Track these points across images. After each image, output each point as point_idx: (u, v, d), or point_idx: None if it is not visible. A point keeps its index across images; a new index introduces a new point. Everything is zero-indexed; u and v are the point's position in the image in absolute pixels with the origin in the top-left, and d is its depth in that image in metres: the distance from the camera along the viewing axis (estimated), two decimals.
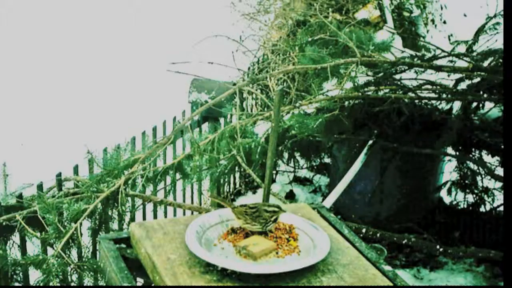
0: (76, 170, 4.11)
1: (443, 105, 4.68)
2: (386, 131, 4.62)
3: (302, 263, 2.26)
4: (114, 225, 4.04)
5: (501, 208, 4.87)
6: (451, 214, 5.11)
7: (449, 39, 6.84)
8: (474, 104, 4.55)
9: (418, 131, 4.60)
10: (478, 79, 4.35)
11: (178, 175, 4.28)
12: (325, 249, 2.34)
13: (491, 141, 4.41)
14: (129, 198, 4.04)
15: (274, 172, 5.88)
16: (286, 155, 5.81)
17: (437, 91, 4.49)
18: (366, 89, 4.45)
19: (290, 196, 5.71)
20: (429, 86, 4.50)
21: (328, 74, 4.07)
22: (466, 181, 4.93)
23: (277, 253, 2.36)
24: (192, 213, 4.68)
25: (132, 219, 4.44)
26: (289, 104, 4.54)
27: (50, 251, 3.94)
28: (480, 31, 4.39)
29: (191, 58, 6.52)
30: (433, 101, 4.59)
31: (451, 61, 4.40)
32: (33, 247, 3.91)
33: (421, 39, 5.81)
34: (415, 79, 4.55)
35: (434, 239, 4.50)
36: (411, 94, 4.45)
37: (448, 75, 4.44)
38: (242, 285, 2.19)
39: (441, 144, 4.65)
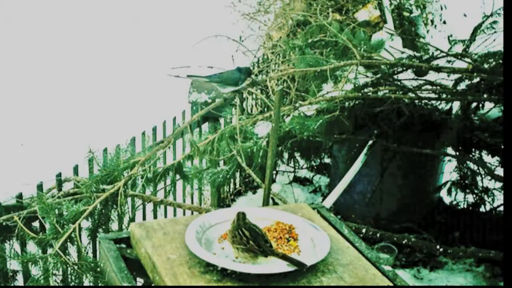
0: (76, 170, 4.11)
1: (443, 105, 4.68)
2: (386, 131, 4.62)
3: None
4: (114, 226, 4.04)
5: (501, 208, 4.88)
6: (451, 214, 5.11)
7: (449, 39, 6.84)
8: (474, 104, 4.55)
9: (418, 131, 4.60)
10: (478, 79, 4.35)
11: (178, 176, 4.28)
12: (325, 249, 2.34)
13: (491, 141, 4.41)
14: (129, 198, 4.04)
15: (274, 172, 5.88)
16: (286, 155, 5.82)
17: (437, 91, 4.49)
18: (366, 89, 4.45)
19: None
20: (429, 86, 4.51)
21: (328, 76, 4.07)
22: (466, 181, 4.93)
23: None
24: (192, 213, 4.68)
25: (132, 219, 4.45)
26: (289, 105, 4.54)
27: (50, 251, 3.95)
28: (476, 30, 4.39)
29: (191, 57, 6.52)
30: (433, 101, 4.59)
31: (449, 61, 4.40)
32: (33, 247, 3.91)
33: (421, 39, 5.81)
34: (415, 79, 4.55)
35: (434, 239, 4.51)
36: (411, 94, 4.45)
37: (448, 75, 4.44)
38: (242, 285, 2.19)
39: (441, 144, 4.66)
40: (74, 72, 9.03)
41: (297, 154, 5.53)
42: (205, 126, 5.48)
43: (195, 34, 7.02)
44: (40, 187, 3.84)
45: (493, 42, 4.39)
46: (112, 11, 11.73)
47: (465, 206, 5.06)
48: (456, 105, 4.68)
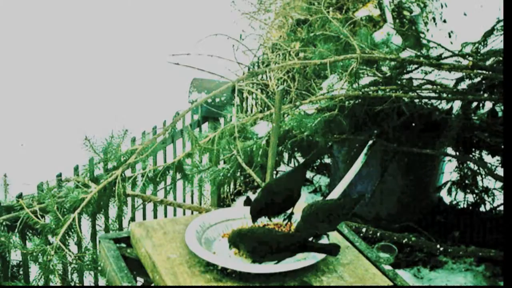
0: (76, 170, 4.11)
1: (443, 105, 4.68)
2: (386, 131, 4.62)
3: (302, 262, 2.27)
4: (112, 213, 4.03)
5: (501, 208, 4.87)
6: (451, 214, 5.11)
7: (449, 37, 6.83)
8: (474, 104, 4.55)
9: (418, 131, 4.60)
10: (479, 78, 4.34)
11: (178, 175, 4.28)
12: None
13: (491, 141, 4.41)
14: (129, 198, 4.04)
15: (274, 172, 5.88)
16: (286, 155, 5.82)
17: (437, 91, 4.49)
18: (366, 88, 4.44)
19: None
20: (429, 86, 4.50)
21: (328, 70, 4.07)
22: (466, 181, 4.93)
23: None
24: (192, 212, 4.68)
25: (132, 218, 4.45)
26: (290, 103, 4.54)
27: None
28: (489, 34, 4.36)
29: (192, 56, 6.52)
30: (433, 101, 4.58)
31: (458, 62, 4.37)
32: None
33: (425, 38, 5.79)
34: (416, 78, 4.55)
35: (434, 238, 4.50)
36: (411, 94, 4.45)
37: (449, 72, 4.42)
38: (242, 285, 2.19)
39: (441, 144, 4.65)
40: (75, 72, 9.03)
41: (297, 154, 5.54)
42: (205, 126, 5.48)
43: (195, 33, 7.02)
44: (40, 187, 3.84)
45: (501, 43, 4.37)
46: (112, 10, 11.72)
47: (465, 205, 5.05)
48: (456, 105, 4.68)
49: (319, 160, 5.92)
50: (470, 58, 4.27)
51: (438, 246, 4.25)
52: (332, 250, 2.24)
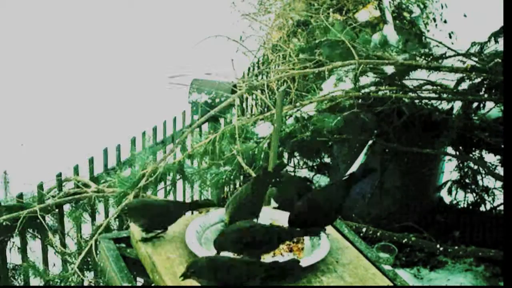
0: (76, 170, 4.11)
1: (444, 105, 4.68)
2: (386, 131, 4.62)
3: (302, 262, 2.27)
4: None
5: (501, 208, 4.87)
6: (451, 214, 5.11)
7: (450, 37, 6.84)
8: (475, 104, 4.55)
9: (418, 131, 4.60)
10: (479, 79, 4.34)
11: (178, 176, 4.29)
12: (325, 249, 2.34)
13: (491, 140, 4.41)
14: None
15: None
16: (286, 155, 5.81)
17: (437, 91, 4.49)
18: (366, 89, 4.45)
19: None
20: (429, 86, 4.50)
21: (325, 77, 4.09)
22: (466, 181, 4.92)
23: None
24: (192, 213, 4.68)
25: None
26: (290, 104, 4.54)
27: (50, 249, 3.95)
28: (495, 36, 4.35)
29: (192, 57, 6.53)
30: (434, 101, 4.58)
31: (462, 62, 4.37)
32: (34, 245, 3.93)
33: (427, 37, 5.79)
34: (416, 79, 4.55)
35: (434, 238, 4.50)
36: (411, 94, 4.45)
37: (450, 72, 4.43)
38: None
39: (441, 144, 4.65)
40: (74, 72, 9.03)
41: (297, 154, 5.53)
42: (205, 126, 5.48)
43: (196, 34, 7.03)
44: (40, 187, 3.84)
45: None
46: (112, 11, 11.73)
47: (465, 205, 5.05)
48: (456, 105, 4.67)
49: (319, 160, 5.91)
50: (474, 59, 4.27)
51: (438, 246, 4.25)
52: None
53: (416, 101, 4.57)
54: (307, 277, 2.25)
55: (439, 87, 4.47)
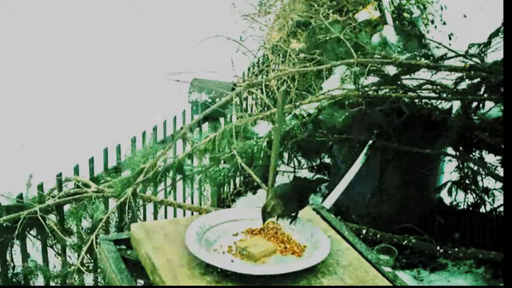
0: (76, 170, 4.11)
1: (443, 105, 4.68)
2: (386, 131, 4.62)
3: (302, 264, 2.27)
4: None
5: (502, 209, 4.87)
6: (451, 215, 5.10)
7: (450, 39, 6.84)
8: (474, 103, 4.55)
9: (418, 131, 4.60)
10: (478, 79, 4.34)
11: (178, 175, 4.29)
12: (325, 250, 2.34)
13: (491, 140, 4.40)
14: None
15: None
16: (286, 155, 5.82)
17: (437, 91, 4.49)
18: (366, 88, 4.44)
19: None
20: (429, 86, 4.50)
21: (324, 76, 4.09)
22: (467, 181, 4.92)
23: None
24: (192, 213, 4.68)
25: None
26: (290, 104, 4.54)
27: (50, 251, 3.96)
28: (495, 36, 4.35)
29: (192, 57, 6.53)
30: (433, 101, 4.58)
31: (463, 62, 4.37)
32: (34, 248, 3.93)
33: (427, 39, 5.79)
34: (416, 79, 4.55)
35: (434, 240, 4.50)
36: (411, 94, 4.44)
37: (450, 71, 4.42)
38: (242, 286, 2.19)
39: (441, 144, 4.65)
40: (74, 72, 9.03)
41: (297, 154, 5.53)
42: (205, 126, 5.47)
43: (196, 34, 7.03)
44: (40, 187, 3.84)
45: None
46: (112, 10, 11.72)
47: (465, 206, 5.05)
48: (456, 105, 4.67)
49: (319, 160, 5.92)
50: (475, 59, 4.27)
51: (438, 248, 4.25)
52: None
53: (416, 100, 4.57)
54: (307, 279, 2.25)
55: (438, 87, 4.47)
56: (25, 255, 3.84)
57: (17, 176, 4.29)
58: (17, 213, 3.68)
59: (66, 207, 4.03)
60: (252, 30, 7.01)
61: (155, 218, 4.73)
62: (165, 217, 4.85)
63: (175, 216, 4.97)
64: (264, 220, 2.46)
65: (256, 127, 4.48)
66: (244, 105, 6.00)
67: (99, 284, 3.98)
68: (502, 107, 4.32)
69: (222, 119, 5.20)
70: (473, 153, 4.77)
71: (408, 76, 4.51)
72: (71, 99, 8.08)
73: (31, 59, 9.41)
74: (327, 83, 4.70)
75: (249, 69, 6.37)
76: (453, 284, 4.58)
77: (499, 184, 4.74)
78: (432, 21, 6.81)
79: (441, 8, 7.05)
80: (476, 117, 4.54)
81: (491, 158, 4.73)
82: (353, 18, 6.20)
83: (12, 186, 4.00)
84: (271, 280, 2.21)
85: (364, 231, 4.13)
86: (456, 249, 4.28)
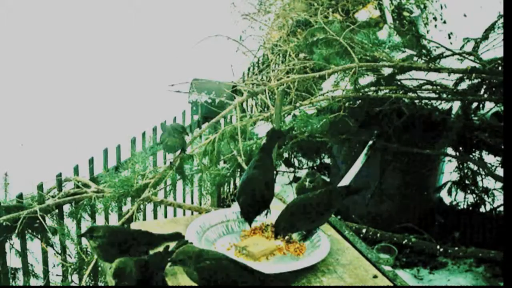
0: (76, 170, 4.11)
1: (443, 105, 4.68)
2: (386, 131, 4.62)
3: (302, 263, 2.27)
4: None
5: (501, 208, 4.87)
6: (451, 215, 5.10)
7: (449, 38, 6.85)
8: (474, 104, 4.55)
9: (418, 131, 4.60)
10: (478, 79, 4.34)
11: (178, 175, 4.28)
12: (325, 250, 2.34)
13: (491, 141, 4.40)
14: (129, 198, 4.05)
15: (274, 172, 5.88)
16: (286, 155, 5.81)
17: (437, 91, 4.49)
18: (366, 89, 4.45)
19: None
20: (429, 86, 4.50)
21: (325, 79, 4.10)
22: (466, 181, 4.92)
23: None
24: (192, 213, 4.68)
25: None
26: (289, 104, 4.55)
27: (50, 250, 3.95)
28: (489, 31, 4.36)
29: (191, 57, 6.53)
30: (433, 101, 4.59)
31: (460, 60, 4.37)
32: (34, 246, 3.92)
33: (425, 38, 5.79)
34: (416, 79, 4.55)
35: (434, 239, 4.50)
36: (411, 94, 4.45)
37: (449, 75, 4.44)
38: (242, 286, 2.19)
39: (441, 145, 4.65)
40: (74, 72, 9.03)
41: (297, 155, 5.53)
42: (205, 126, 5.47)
43: (195, 34, 7.02)
44: (40, 187, 3.84)
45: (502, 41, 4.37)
46: (112, 11, 11.73)
47: (465, 206, 5.05)
48: (456, 105, 4.68)
49: (319, 160, 5.91)
50: (471, 58, 4.27)
51: (438, 247, 4.25)
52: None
53: (416, 101, 4.57)
54: (307, 278, 2.25)
55: (438, 87, 4.48)
56: (25, 255, 3.83)
57: (17, 176, 4.29)
58: (17, 213, 3.68)
59: (66, 207, 4.03)
60: (252, 30, 7.01)
61: (155, 218, 4.74)
62: (165, 216, 4.85)
63: (175, 216, 4.97)
64: (275, 237, 2.40)
65: (256, 127, 4.49)
66: (244, 106, 6.00)
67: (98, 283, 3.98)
68: (502, 107, 4.32)
69: (222, 120, 5.20)
70: (473, 154, 4.77)
71: (408, 77, 4.52)
72: (71, 99, 8.08)
73: (32, 59, 9.42)
74: (327, 83, 4.71)
75: (249, 69, 6.37)
76: (453, 283, 4.57)
77: (499, 184, 4.74)
78: (434, 19, 6.81)
79: (441, 7, 7.05)
80: (476, 118, 4.55)
81: (490, 159, 4.73)
82: (353, 17, 6.20)
83: (12, 186, 4.00)
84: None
85: (364, 230, 4.13)
86: (456, 248, 4.28)
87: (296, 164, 6.14)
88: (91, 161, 4.21)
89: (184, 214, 4.87)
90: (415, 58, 4.42)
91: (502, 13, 4.35)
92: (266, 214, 2.50)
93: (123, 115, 7.44)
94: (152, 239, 2.31)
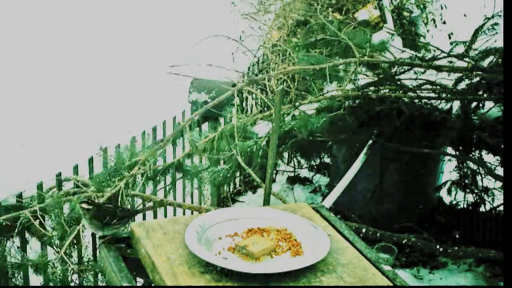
0: (76, 170, 4.11)
1: (443, 105, 4.68)
2: (386, 131, 4.62)
3: (301, 262, 2.27)
4: None
5: (501, 208, 4.87)
6: (451, 214, 5.11)
7: (449, 37, 6.85)
8: (474, 103, 4.55)
9: (418, 130, 4.60)
10: (478, 78, 4.35)
11: (178, 174, 4.28)
12: (325, 249, 2.34)
13: (491, 140, 4.41)
14: (129, 198, 4.05)
15: (274, 172, 5.88)
16: (286, 155, 5.82)
17: (437, 91, 4.50)
18: (366, 89, 4.45)
19: None
20: (429, 86, 4.51)
21: (327, 74, 4.08)
22: (466, 181, 4.93)
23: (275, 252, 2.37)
24: (192, 212, 4.68)
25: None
26: (289, 104, 4.55)
27: (49, 250, 3.95)
28: (478, 31, 4.39)
29: (191, 57, 6.53)
30: (433, 101, 4.59)
31: (450, 62, 4.40)
32: (34, 247, 3.92)
33: (421, 39, 5.80)
34: (415, 79, 4.55)
35: (434, 239, 4.50)
36: (411, 94, 4.45)
37: (448, 75, 4.45)
38: (241, 285, 2.19)
39: (441, 144, 4.65)
40: (74, 72, 9.03)
41: (297, 154, 5.53)
42: (205, 126, 5.47)
43: (195, 33, 7.02)
44: (40, 187, 3.84)
45: (494, 43, 4.39)
46: (111, 10, 11.72)
47: (465, 206, 5.05)
48: (456, 105, 4.68)
49: (319, 160, 5.92)
50: (466, 59, 4.28)
51: (438, 246, 4.25)
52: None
53: (416, 100, 4.57)
54: (306, 277, 2.25)
55: (438, 87, 4.48)
56: (25, 255, 3.83)
57: (17, 176, 4.29)
58: (16, 212, 3.67)
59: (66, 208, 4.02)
60: (252, 30, 7.01)
61: (155, 217, 4.74)
62: (165, 216, 4.85)
63: (174, 215, 4.97)
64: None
65: (255, 127, 4.48)
66: (244, 105, 6.00)
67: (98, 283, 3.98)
68: (502, 107, 4.32)
69: (222, 119, 5.20)
70: (473, 153, 4.77)
71: (408, 76, 4.53)
72: (71, 98, 8.08)
73: (31, 58, 9.41)
74: (329, 86, 4.71)
75: (249, 68, 6.37)
76: (453, 283, 4.58)
77: (498, 184, 4.74)
78: (434, 20, 6.81)
79: (441, 7, 7.05)
80: (475, 117, 4.55)
81: (490, 158, 4.73)
82: (352, 17, 6.20)
83: (12, 186, 4.00)
84: (271, 279, 2.21)
85: (364, 230, 4.13)
86: (456, 248, 4.28)
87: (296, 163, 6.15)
88: (90, 160, 4.21)
89: (184, 213, 4.87)
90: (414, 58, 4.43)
91: (489, 15, 4.39)
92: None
93: (123, 115, 7.44)
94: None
